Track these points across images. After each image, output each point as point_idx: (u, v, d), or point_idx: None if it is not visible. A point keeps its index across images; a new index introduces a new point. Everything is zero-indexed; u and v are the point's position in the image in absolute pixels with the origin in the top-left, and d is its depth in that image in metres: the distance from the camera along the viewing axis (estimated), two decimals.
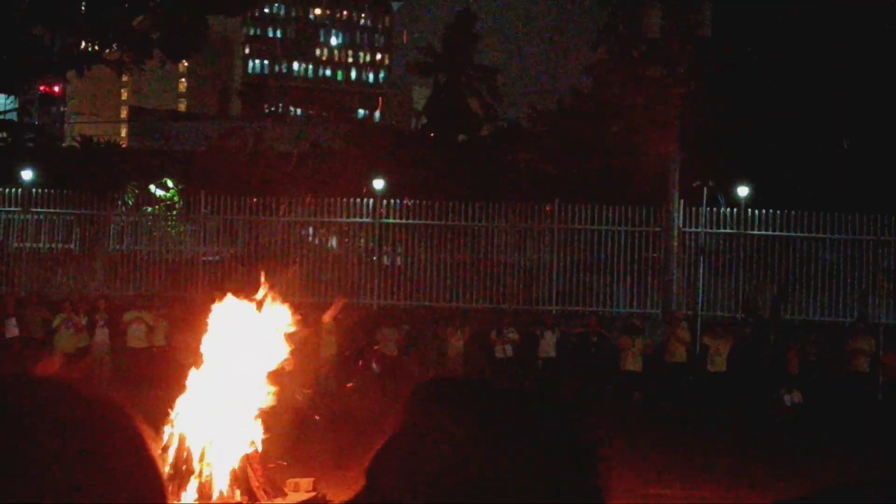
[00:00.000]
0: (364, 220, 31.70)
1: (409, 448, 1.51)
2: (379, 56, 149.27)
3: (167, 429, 12.08)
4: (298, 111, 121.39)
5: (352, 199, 31.67)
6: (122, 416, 1.51)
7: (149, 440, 1.52)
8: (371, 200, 31.75)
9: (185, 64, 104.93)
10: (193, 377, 12.32)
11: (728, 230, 30.61)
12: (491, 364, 26.62)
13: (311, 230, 32.74)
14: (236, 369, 12.06)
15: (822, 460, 18.86)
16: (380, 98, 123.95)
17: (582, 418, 1.56)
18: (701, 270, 30.24)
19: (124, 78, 58.06)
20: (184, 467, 11.90)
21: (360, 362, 26.31)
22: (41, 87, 56.08)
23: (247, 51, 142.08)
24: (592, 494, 1.51)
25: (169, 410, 12.30)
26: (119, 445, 1.46)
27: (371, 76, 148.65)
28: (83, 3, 41.85)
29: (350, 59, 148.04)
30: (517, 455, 1.47)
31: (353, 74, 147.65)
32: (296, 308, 12.68)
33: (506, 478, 1.45)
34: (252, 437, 12.12)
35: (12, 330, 26.29)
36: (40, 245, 32.42)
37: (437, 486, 1.45)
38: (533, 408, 1.55)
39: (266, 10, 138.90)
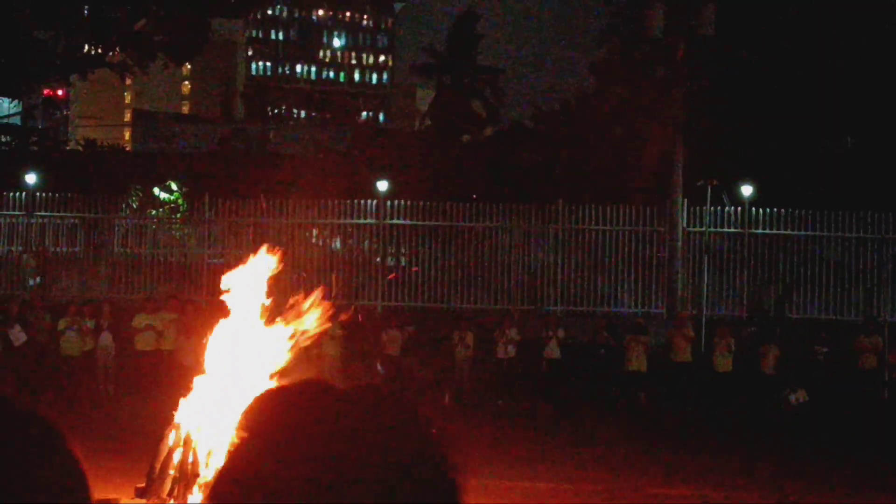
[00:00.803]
0: (368, 221, 31.70)
1: (246, 466, 1.45)
2: (382, 58, 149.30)
3: (172, 431, 12.10)
4: (302, 113, 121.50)
5: (356, 201, 31.68)
6: (35, 418, 1.50)
7: (71, 444, 1.50)
8: (375, 202, 31.76)
9: (189, 66, 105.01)
10: (199, 379, 12.33)
11: (732, 229, 30.60)
12: (493, 365, 26.61)
13: (315, 232, 32.74)
14: (241, 370, 12.07)
15: (826, 459, 18.86)
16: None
17: (430, 415, 1.51)
18: (705, 270, 30.24)
19: (127, 81, 58.10)
20: (189, 469, 11.92)
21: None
22: (45, 91, 56.19)
23: (249, 53, 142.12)
24: (446, 492, 1.48)
25: (173, 413, 12.31)
26: (34, 449, 1.45)
27: (374, 77, 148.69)
28: (86, 7, 41.89)
29: (353, 61, 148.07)
30: (359, 459, 1.41)
31: (357, 76, 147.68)
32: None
33: (349, 483, 1.40)
34: None
35: (19, 336, 26.26)
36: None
37: (278, 500, 1.40)
38: (374, 409, 1.50)
39: (268, 12, 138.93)
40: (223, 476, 1.47)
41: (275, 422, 1.47)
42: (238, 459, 1.47)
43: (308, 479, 1.40)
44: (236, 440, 1.49)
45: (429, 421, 1.47)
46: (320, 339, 23.97)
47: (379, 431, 1.45)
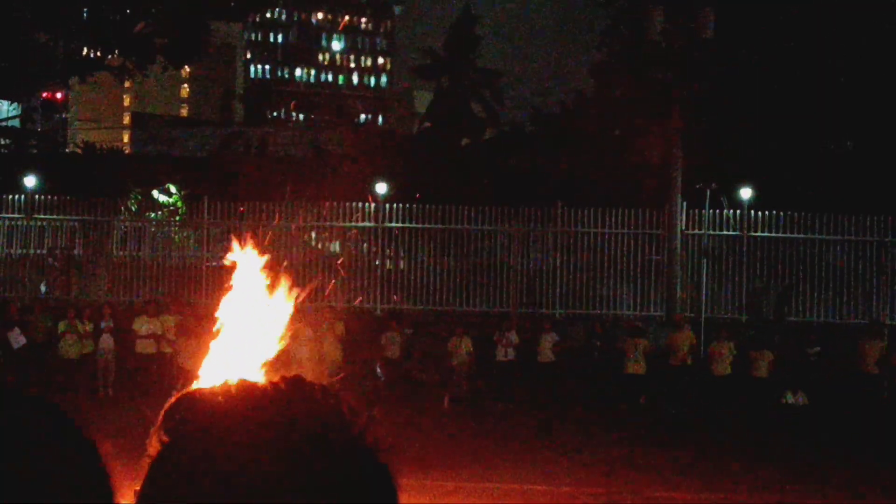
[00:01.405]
0: (367, 224, 31.70)
1: (169, 473, 1.41)
2: (381, 60, 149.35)
3: None
4: (301, 116, 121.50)
5: (355, 204, 31.68)
6: (56, 414, 1.48)
7: (96, 442, 1.48)
8: (374, 205, 31.75)
9: (188, 69, 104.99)
10: (198, 382, 12.30)
11: (731, 232, 30.60)
12: (493, 367, 26.63)
13: (313, 235, 32.73)
14: (238, 370, 12.03)
15: (826, 461, 18.85)
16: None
17: (356, 404, 1.48)
18: (704, 272, 30.24)
19: (126, 84, 58.07)
20: None
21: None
22: (44, 94, 56.22)
23: (248, 56, 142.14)
24: (379, 482, 1.43)
25: None
26: (53, 448, 1.43)
27: (373, 80, 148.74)
28: (85, 10, 41.90)
29: (352, 64, 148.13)
30: (285, 454, 1.37)
31: (356, 79, 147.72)
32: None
33: (276, 481, 1.36)
34: None
35: (19, 339, 26.26)
36: (44, 251, 32.45)
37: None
38: (298, 403, 1.42)
39: (268, 15, 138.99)
40: (147, 487, 1.43)
41: (196, 425, 1.42)
42: (161, 467, 1.42)
43: (234, 482, 1.36)
44: (157, 446, 1.44)
45: (356, 410, 1.45)
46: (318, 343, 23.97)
47: (303, 424, 1.41)
